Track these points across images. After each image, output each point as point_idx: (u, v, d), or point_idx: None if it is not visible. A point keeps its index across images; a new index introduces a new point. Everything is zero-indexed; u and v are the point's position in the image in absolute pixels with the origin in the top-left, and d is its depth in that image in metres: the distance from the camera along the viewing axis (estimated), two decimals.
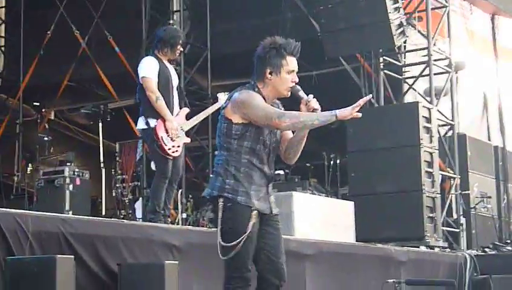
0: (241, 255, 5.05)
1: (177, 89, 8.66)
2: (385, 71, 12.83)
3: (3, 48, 15.24)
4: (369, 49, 12.61)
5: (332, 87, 13.07)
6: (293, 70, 5.16)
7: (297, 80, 5.19)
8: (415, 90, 12.98)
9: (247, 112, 5.08)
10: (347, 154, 12.09)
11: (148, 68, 8.26)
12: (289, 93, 5.19)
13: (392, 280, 8.77)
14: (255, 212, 5.08)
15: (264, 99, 5.15)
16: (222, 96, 8.85)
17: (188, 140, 8.59)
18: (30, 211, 6.57)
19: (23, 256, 5.71)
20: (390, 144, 11.49)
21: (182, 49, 8.65)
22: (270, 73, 5.15)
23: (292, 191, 9.66)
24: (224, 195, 5.09)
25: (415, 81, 12.91)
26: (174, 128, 8.18)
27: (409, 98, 13.04)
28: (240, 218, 5.02)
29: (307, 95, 5.17)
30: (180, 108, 8.71)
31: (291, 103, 5.29)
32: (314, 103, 5.14)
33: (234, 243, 5.00)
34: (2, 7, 15.32)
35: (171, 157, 8.23)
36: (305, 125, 5.03)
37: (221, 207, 5.08)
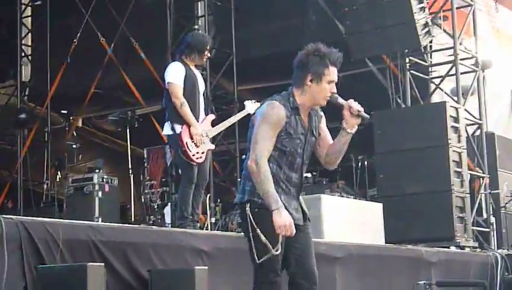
0: (270, 260, 5.05)
1: (203, 95, 8.68)
2: (411, 71, 12.76)
3: (30, 57, 15.34)
4: (395, 50, 12.55)
5: (359, 88, 13.00)
6: (333, 81, 5.12)
7: (335, 90, 5.14)
8: (442, 90, 12.91)
9: (255, 125, 5.09)
10: (375, 156, 12.05)
11: (175, 74, 8.27)
12: (325, 103, 5.15)
13: (422, 282, 8.76)
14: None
15: (297, 108, 5.11)
16: (248, 104, 8.86)
17: (213, 147, 8.61)
18: (60, 220, 6.61)
19: (54, 264, 5.75)
20: (418, 144, 11.43)
21: (209, 54, 8.65)
22: (311, 80, 5.10)
23: (320, 194, 9.63)
24: (254, 199, 5.09)
25: (441, 81, 12.84)
26: (199, 134, 8.19)
27: (435, 98, 12.96)
28: (269, 223, 4.98)
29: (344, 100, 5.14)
30: (207, 114, 8.72)
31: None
32: (357, 106, 5.11)
33: (266, 249, 5.00)
34: (27, 16, 15.43)
35: (195, 164, 8.23)
36: (258, 187, 4.97)
37: (249, 211, 5.08)
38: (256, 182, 5.00)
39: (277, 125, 5.05)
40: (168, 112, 8.28)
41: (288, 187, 5.14)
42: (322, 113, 5.32)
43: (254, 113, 5.22)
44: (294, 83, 5.19)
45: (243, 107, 8.92)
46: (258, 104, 8.67)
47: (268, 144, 5.04)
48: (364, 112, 5.12)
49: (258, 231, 5.03)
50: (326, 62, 5.08)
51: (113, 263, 6.16)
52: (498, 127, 14.36)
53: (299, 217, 5.17)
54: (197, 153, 8.22)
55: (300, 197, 5.30)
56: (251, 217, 5.06)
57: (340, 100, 5.14)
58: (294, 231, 4.99)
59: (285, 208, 5.02)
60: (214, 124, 8.61)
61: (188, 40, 8.51)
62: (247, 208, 5.08)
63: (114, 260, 6.18)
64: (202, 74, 8.94)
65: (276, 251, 5.00)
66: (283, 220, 4.93)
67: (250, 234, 5.07)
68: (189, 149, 8.15)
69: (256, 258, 5.07)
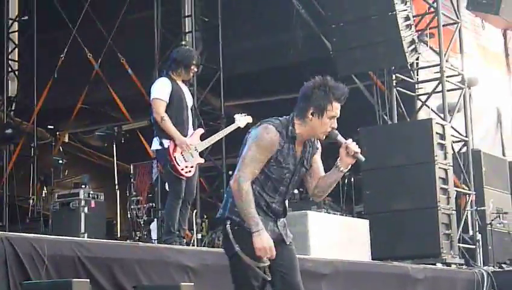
0: (248, 280, 5.03)
1: (191, 110, 8.68)
2: (398, 88, 12.81)
3: (17, 72, 15.31)
4: (382, 67, 12.61)
5: (346, 105, 13.03)
6: (335, 116, 5.06)
7: (336, 126, 5.09)
8: (428, 106, 12.96)
9: (246, 145, 5.04)
10: (361, 172, 12.06)
11: (159, 89, 8.30)
12: (324, 137, 5.11)
13: None
14: None
15: (294, 138, 5.06)
16: (238, 117, 8.86)
17: (202, 161, 8.60)
18: (46, 236, 6.58)
19: (40, 280, 5.72)
20: (405, 161, 11.47)
21: (196, 69, 8.66)
22: (312, 114, 5.03)
23: (307, 211, 9.64)
24: (232, 217, 5.06)
25: (428, 98, 12.89)
26: (184, 143, 8.19)
27: (422, 115, 13.01)
28: (249, 243, 4.94)
29: (340, 134, 5.12)
30: (195, 129, 8.72)
31: None
32: (354, 147, 5.09)
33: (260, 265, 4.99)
34: (15, 31, 15.41)
35: (184, 178, 8.23)
36: (239, 208, 4.95)
37: (229, 230, 5.05)
38: (237, 203, 4.97)
39: (268, 151, 5.00)
40: (156, 127, 8.29)
41: (268, 210, 5.10)
42: (318, 146, 5.26)
43: (249, 132, 5.17)
44: (296, 112, 5.11)
45: (232, 121, 8.92)
46: (249, 117, 8.75)
47: (255, 167, 5.00)
48: (361, 153, 5.12)
49: (237, 248, 5.01)
50: (330, 97, 5.01)
51: (98, 279, 6.13)
52: (484, 144, 14.42)
53: (274, 237, 5.08)
54: (186, 167, 8.23)
55: (282, 219, 5.22)
56: (231, 235, 5.04)
57: (340, 138, 5.11)
58: (274, 254, 4.97)
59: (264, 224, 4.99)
60: (202, 138, 8.61)
61: (174, 56, 8.54)
62: (227, 225, 5.06)
63: (99, 276, 6.16)
64: (190, 90, 8.94)
65: (263, 271, 4.99)
66: (263, 243, 4.91)
67: (230, 252, 5.05)
68: (177, 163, 8.15)
69: (233, 276, 5.07)
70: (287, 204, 5.23)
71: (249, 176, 4.97)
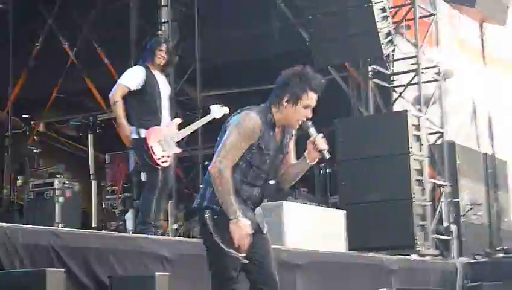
0: (227, 268, 5.03)
1: (169, 100, 8.66)
2: (374, 80, 12.85)
3: None
4: (358, 58, 12.64)
5: (321, 96, 13.05)
6: (309, 106, 5.08)
7: (310, 116, 5.10)
8: (404, 98, 13.00)
9: (227, 132, 5.05)
10: (336, 163, 12.09)
11: (127, 76, 8.39)
12: (298, 126, 5.12)
13: (383, 289, 8.79)
14: None
15: (274, 124, 5.09)
16: (214, 108, 8.86)
17: (179, 150, 8.59)
18: (20, 225, 6.54)
19: (13, 270, 5.69)
20: (380, 152, 11.50)
21: (164, 55, 8.59)
22: (287, 101, 5.05)
23: (282, 201, 9.65)
24: (213, 207, 5.06)
25: (404, 89, 12.94)
26: (125, 134, 8.23)
27: (397, 106, 13.05)
28: (227, 233, 4.95)
29: (315, 131, 5.14)
30: (172, 119, 8.70)
31: None
32: (322, 144, 5.10)
33: (230, 255, 4.99)
34: None
35: (160, 168, 8.22)
36: (218, 195, 4.96)
37: (209, 219, 5.05)
38: (216, 189, 4.97)
39: (250, 137, 5.01)
40: (131, 117, 8.27)
41: (247, 200, 5.12)
42: (293, 132, 5.27)
43: (228, 120, 5.16)
44: (272, 100, 5.13)
45: (208, 112, 8.90)
46: (225, 108, 8.75)
47: (236, 154, 5.00)
48: (328, 151, 5.13)
49: (216, 238, 5.02)
50: (305, 87, 5.04)
51: (73, 269, 6.12)
52: (459, 136, 14.50)
53: (254, 227, 5.10)
54: (163, 157, 8.21)
55: (259, 208, 5.26)
56: (210, 224, 5.04)
57: (311, 130, 5.12)
58: (249, 242, 4.97)
59: (243, 211, 5.01)
60: (179, 128, 8.60)
61: (146, 45, 8.61)
62: (206, 215, 5.06)
63: (74, 266, 6.14)
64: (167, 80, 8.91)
65: (232, 259, 5.00)
66: (240, 230, 4.92)
67: (208, 241, 5.06)
68: (154, 153, 8.14)
69: (211, 265, 5.08)
70: (265, 192, 5.24)
71: (229, 163, 4.97)
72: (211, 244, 5.05)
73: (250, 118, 5.03)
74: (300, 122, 5.11)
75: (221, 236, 4.99)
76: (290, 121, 5.11)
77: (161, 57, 8.56)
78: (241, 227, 4.92)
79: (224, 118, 8.13)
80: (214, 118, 8.76)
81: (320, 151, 5.11)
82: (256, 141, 5.04)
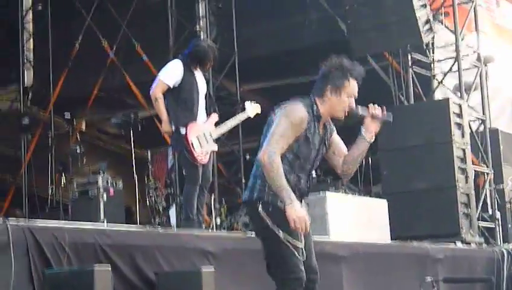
0: (293, 256, 5.04)
1: (205, 96, 8.68)
2: (414, 68, 12.77)
3: (32, 62, 15.34)
4: (397, 47, 12.56)
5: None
6: (352, 95, 5.16)
7: (353, 104, 5.17)
8: (445, 86, 12.91)
9: (275, 121, 5.09)
10: (378, 152, 12.05)
11: (167, 72, 8.40)
12: (343, 116, 5.18)
13: (429, 278, 8.74)
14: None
15: (319, 117, 5.14)
16: (249, 106, 8.88)
17: (216, 148, 8.60)
18: (66, 223, 6.62)
19: (61, 268, 5.75)
20: (422, 141, 11.46)
21: (211, 64, 8.69)
22: (331, 92, 5.14)
23: (326, 192, 9.63)
24: (264, 199, 5.09)
25: (444, 77, 12.84)
26: (168, 131, 8.24)
27: (438, 94, 12.97)
28: (285, 220, 4.96)
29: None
30: (209, 114, 8.73)
31: None
32: (378, 109, 5.18)
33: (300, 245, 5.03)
34: (29, 21, 15.42)
35: (199, 164, 8.25)
36: (271, 181, 4.98)
37: (262, 211, 5.07)
38: (268, 177, 4.99)
39: (298, 127, 5.07)
40: (170, 114, 8.30)
41: (295, 192, 5.11)
42: (333, 126, 5.34)
43: (275, 112, 5.19)
44: (315, 92, 5.20)
45: (244, 108, 8.93)
46: (257, 105, 8.79)
47: (285, 142, 5.05)
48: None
49: (276, 228, 5.03)
50: (347, 75, 5.12)
51: (119, 266, 6.16)
52: (500, 122, 14.37)
53: None
54: (202, 153, 8.25)
55: (303, 201, 5.28)
56: (264, 216, 5.06)
57: (361, 110, 5.19)
58: (308, 225, 5.00)
59: None
60: (216, 125, 8.62)
61: (191, 49, 8.53)
62: (259, 207, 5.08)
63: (121, 263, 6.19)
64: (204, 75, 8.93)
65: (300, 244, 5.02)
66: (297, 213, 4.93)
67: (264, 233, 5.08)
68: (194, 150, 8.17)
69: (279, 255, 5.07)
70: (310, 183, 5.28)
71: (278, 150, 5.01)
72: (268, 235, 5.07)
73: (298, 109, 5.09)
74: (345, 112, 5.15)
75: (280, 226, 5.01)
76: (336, 112, 5.17)
77: (209, 66, 8.67)
78: (297, 210, 4.94)
79: (258, 116, 8.17)
80: (249, 117, 8.80)
81: (383, 116, 5.17)
82: (303, 132, 5.09)
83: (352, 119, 5.22)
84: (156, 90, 8.29)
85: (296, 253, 5.04)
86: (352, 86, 5.15)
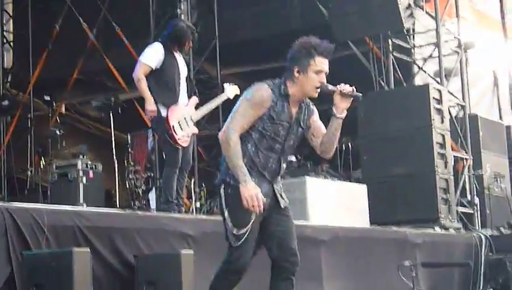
0: (240, 246, 5.08)
1: (186, 80, 8.68)
2: (394, 54, 12.79)
3: (12, 44, 15.23)
4: (378, 32, 12.57)
5: (342, 71, 12.98)
6: (320, 71, 5.16)
7: (324, 80, 5.18)
8: (425, 72, 12.94)
9: (237, 102, 5.17)
10: (358, 138, 12.08)
11: (148, 54, 8.40)
12: (316, 94, 5.20)
13: (407, 263, 8.79)
14: None
15: (287, 96, 5.16)
16: (228, 87, 8.88)
17: (197, 131, 8.61)
18: (45, 205, 6.60)
19: (40, 250, 5.74)
20: (402, 126, 11.49)
21: (191, 45, 8.70)
22: (298, 72, 5.17)
23: (305, 176, 9.65)
24: (226, 179, 5.12)
25: (424, 63, 12.88)
26: (151, 111, 8.21)
27: (418, 80, 13.01)
28: (241, 206, 5.01)
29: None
30: (189, 97, 8.72)
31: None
32: (347, 87, 5.17)
33: (240, 232, 5.04)
34: (9, 2, 15.31)
35: (180, 147, 8.25)
36: (227, 159, 5.07)
37: (223, 193, 5.14)
38: (225, 155, 5.08)
39: (258, 106, 5.10)
40: (154, 95, 8.29)
41: (263, 172, 5.16)
42: (314, 108, 5.36)
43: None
44: (286, 75, 5.25)
45: (223, 90, 8.94)
46: (235, 87, 8.80)
47: (244, 122, 5.09)
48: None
49: (226, 213, 5.08)
50: (312, 52, 5.14)
51: (98, 249, 6.16)
52: (480, 108, 14.43)
53: (271, 203, 5.18)
54: (183, 136, 8.25)
55: (279, 183, 5.31)
56: (223, 198, 5.13)
57: (330, 87, 5.20)
58: (262, 204, 5.00)
59: (258, 185, 5.06)
60: (197, 107, 8.62)
61: (170, 30, 8.57)
62: (221, 190, 5.14)
63: (100, 246, 6.19)
64: (184, 58, 8.92)
65: (246, 231, 5.02)
66: (249, 192, 4.97)
67: (225, 216, 5.14)
68: (175, 132, 8.17)
69: (227, 239, 5.14)
70: (283, 164, 5.27)
71: (237, 129, 5.06)
72: (223, 218, 5.14)
73: (259, 88, 5.15)
74: (316, 89, 5.17)
75: (234, 209, 5.05)
76: (306, 91, 5.19)
77: (188, 47, 8.65)
78: (250, 188, 4.97)
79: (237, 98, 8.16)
80: (228, 98, 8.81)
81: (351, 94, 5.15)
82: (266, 111, 5.10)
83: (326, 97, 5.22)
84: (139, 72, 8.31)
85: (234, 239, 5.06)
86: (319, 63, 5.15)
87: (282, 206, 5.27)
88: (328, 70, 5.20)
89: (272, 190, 5.21)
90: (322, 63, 5.17)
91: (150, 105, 8.25)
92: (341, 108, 5.17)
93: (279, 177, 5.31)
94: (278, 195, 5.26)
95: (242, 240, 5.04)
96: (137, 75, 8.30)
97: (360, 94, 5.20)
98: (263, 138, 5.14)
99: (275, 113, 5.13)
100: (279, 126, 5.15)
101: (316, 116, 5.36)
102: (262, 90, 5.13)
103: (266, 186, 5.17)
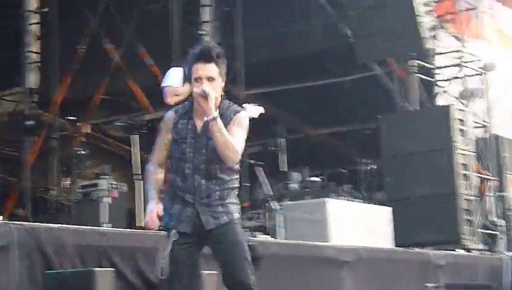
0: (166, 280, 4.90)
1: None
2: (417, 75, 12.78)
3: (39, 64, 15.37)
4: (401, 53, 12.57)
5: (364, 92, 13.05)
6: (198, 78, 4.88)
7: (205, 87, 4.82)
8: (448, 92, 12.92)
9: None
10: (381, 159, 12.06)
11: (169, 78, 8.54)
12: (200, 103, 4.83)
13: (431, 284, 8.75)
14: (172, 233, 4.88)
15: (188, 112, 4.95)
16: (250, 108, 8.92)
17: None
18: (68, 225, 6.64)
19: (63, 270, 5.77)
20: (425, 147, 11.46)
21: None
22: (190, 86, 5.01)
23: (325, 198, 9.65)
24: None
25: (448, 83, 12.86)
26: None
27: (441, 100, 12.98)
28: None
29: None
30: None
31: None
32: (198, 90, 4.82)
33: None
34: (36, 23, 15.46)
35: None
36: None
37: None
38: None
39: (163, 132, 4.98)
40: None
41: (184, 195, 4.92)
42: (236, 115, 4.97)
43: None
44: None
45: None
46: (260, 108, 8.82)
47: (158, 150, 5.03)
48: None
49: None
50: (190, 62, 4.96)
51: (122, 268, 6.17)
52: (502, 129, 14.37)
53: (189, 226, 4.89)
54: None
55: (215, 204, 4.90)
56: None
57: (195, 89, 4.89)
58: (154, 225, 4.91)
59: (177, 217, 4.89)
60: None
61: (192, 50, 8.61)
62: None
63: (123, 265, 6.20)
64: None
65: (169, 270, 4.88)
66: (146, 213, 4.94)
67: None
68: None
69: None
70: (208, 182, 4.89)
71: (153, 158, 5.04)
72: None
73: (164, 116, 5.05)
74: (199, 97, 4.85)
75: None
76: (196, 101, 4.89)
77: None
78: (147, 210, 4.92)
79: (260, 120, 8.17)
80: (251, 118, 8.84)
81: (202, 94, 4.82)
82: (171, 134, 4.96)
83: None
84: (168, 96, 8.42)
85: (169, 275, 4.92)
86: (195, 70, 4.91)
87: (208, 228, 4.87)
88: (208, 74, 4.88)
89: (195, 213, 4.89)
90: (198, 69, 4.89)
91: None
92: (201, 110, 4.85)
93: (214, 198, 4.89)
94: (203, 218, 4.90)
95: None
96: (168, 102, 8.44)
97: (206, 90, 4.79)
98: (173, 161, 4.97)
99: (176, 133, 4.93)
100: (182, 144, 4.92)
101: (233, 124, 4.94)
102: (165, 116, 5.04)
103: (189, 210, 4.90)
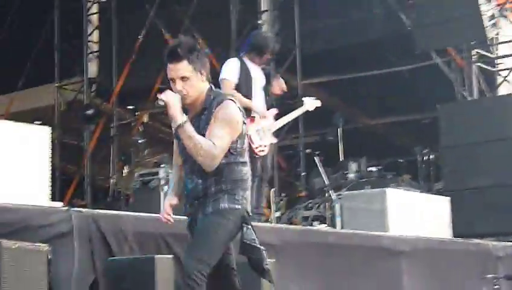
0: None
1: (263, 90, 8.68)
2: (477, 64, 12.63)
3: (97, 54, 15.55)
4: (461, 42, 12.43)
5: (424, 82, 12.94)
6: (171, 79, 4.82)
7: (178, 87, 4.80)
8: (509, 82, 12.75)
9: None
10: (440, 149, 11.95)
11: (227, 70, 8.37)
12: (185, 102, 4.80)
13: (490, 275, 8.66)
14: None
15: (187, 110, 4.85)
16: (307, 100, 8.91)
17: (275, 141, 8.64)
18: (129, 213, 6.70)
19: (123, 257, 5.84)
20: (485, 137, 11.31)
21: (269, 56, 8.68)
22: None
23: (385, 188, 9.60)
24: None
25: (509, 72, 12.69)
26: (263, 113, 8.28)
27: (503, 90, 12.81)
28: None
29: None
30: (269, 108, 8.75)
31: None
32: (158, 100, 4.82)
33: None
34: (95, 13, 15.64)
35: (258, 156, 8.29)
36: None
37: None
38: None
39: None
40: None
41: (187, 194, 4.96)
42: (215, 113, 4.80)
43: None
44: None
45: (302, 103, 8.98)
46: (317, 101, 8.82)
47: (174, 153, 5.08)
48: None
49: None
50: (165, 62, 4.86)
51: (181, 255, 6.21)
52: None
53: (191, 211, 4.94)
54: (260, 146, 8.29)
55: (207, 204, 4.84)
56: None
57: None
58: (168, 220, 5.08)
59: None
60: (276, 118, 8.66)
61: (250, 40, 8.58)
62: None
63: (182, 252, 6.24)
64: (265, 69, 8.93)
65: None
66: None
67: None
68: (253, 142, 8.22)
69: None
70: (200, 182, 4.84)
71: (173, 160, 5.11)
72: None
73: None
74: (181, 97, 4.80)
75: None
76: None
77: (268, 58, 8.66)
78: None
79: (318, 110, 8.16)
80: (308, 110, 8.85)
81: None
82: None
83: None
84: (227, 90, 8.29)
85: None
86: (168, 72, 4.86)
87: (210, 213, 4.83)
88: (180, 74, 4.81)
89: (192, 206, 4.92)
90: (170, 70, 4.83)
91: (258, 109, 8.29)
92: (170, 118, 4.80)
93: (209, 195, 4.83)
94: (192, 210, 4.95)
95: None
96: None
97: (160, 99, 4.80)
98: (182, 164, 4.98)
99: (176, 134, 4.87)
100: (176, 139, 4.91)
101: (214, 119, 4.78)
102: None
103: (188, 205, 4.98)
